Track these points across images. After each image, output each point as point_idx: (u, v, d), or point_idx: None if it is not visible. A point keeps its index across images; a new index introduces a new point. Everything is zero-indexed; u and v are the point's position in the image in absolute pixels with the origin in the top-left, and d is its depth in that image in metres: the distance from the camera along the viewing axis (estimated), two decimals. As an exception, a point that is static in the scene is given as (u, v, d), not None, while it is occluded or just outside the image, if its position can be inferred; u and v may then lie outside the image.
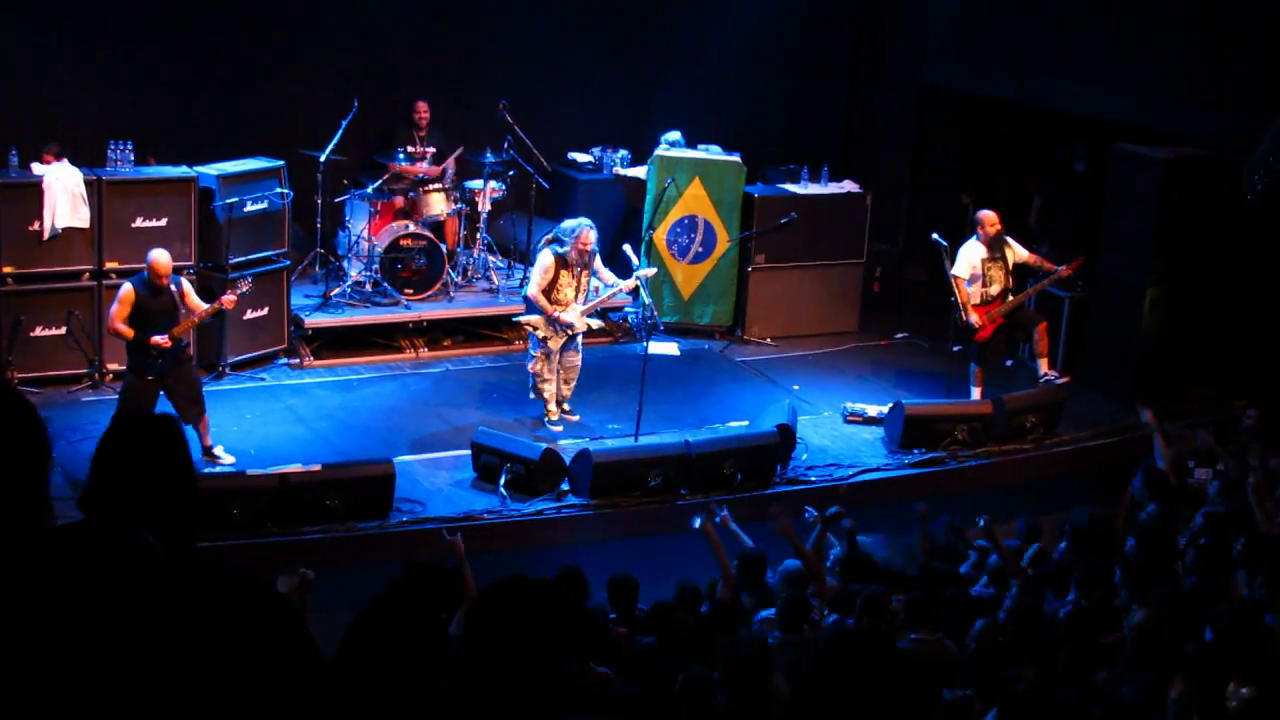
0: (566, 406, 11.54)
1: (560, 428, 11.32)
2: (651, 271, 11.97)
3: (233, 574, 3.24)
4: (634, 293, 11.78)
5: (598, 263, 11.29)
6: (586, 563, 7.77)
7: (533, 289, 11.18)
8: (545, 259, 11.14)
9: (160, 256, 9.92)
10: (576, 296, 11.18)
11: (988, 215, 11.96)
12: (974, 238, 12.06)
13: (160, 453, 3.30)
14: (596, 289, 11.39)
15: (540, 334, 11.19)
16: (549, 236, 11.29)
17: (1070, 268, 12.01)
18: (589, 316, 11.36)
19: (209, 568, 3.25)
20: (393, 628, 3.49)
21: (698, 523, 8.20)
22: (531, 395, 11.43)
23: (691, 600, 7.55)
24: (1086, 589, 7.36)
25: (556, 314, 11.07)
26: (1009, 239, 12.08)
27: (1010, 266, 12.05)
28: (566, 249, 11.05)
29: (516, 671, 3.18)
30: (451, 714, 3.24)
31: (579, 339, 11.40)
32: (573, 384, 11.53)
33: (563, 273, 11.11)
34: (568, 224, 11.19)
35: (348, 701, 3.33)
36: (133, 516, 3.19)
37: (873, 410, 11.95)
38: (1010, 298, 12.06)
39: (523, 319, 11.39)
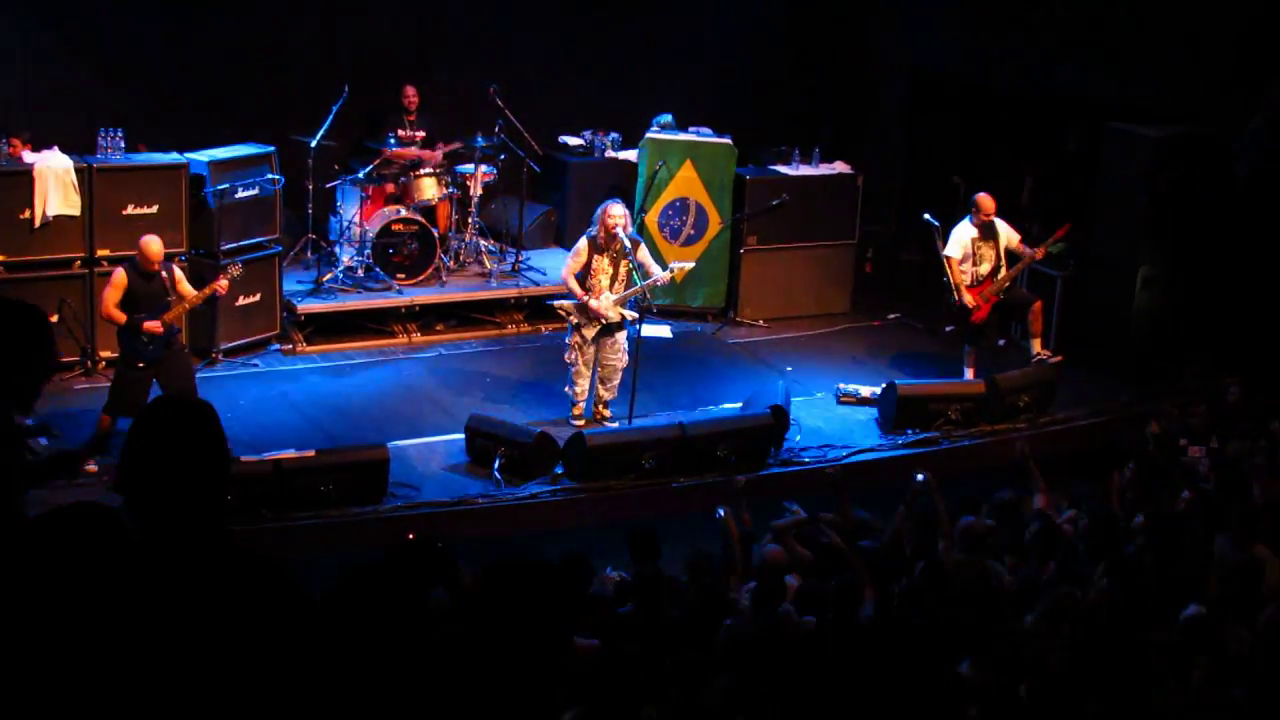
0: (608, 412, 11.17)
1: (583, 422, 11.02)
2: (689, 265, 11.77)
3: (251, 555, 3.28)
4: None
5: (644, 254, 10.87)
6: (581, 546, 7.82)
7: (563, 271, 10.93)
8: (579, 243, 10.85)
9: (151, 242, 9.92)
10: (612, 285, 10.83)
11: (985, 200, 11.96)
12: (967, 219, 12.07)
13: (195, 437, 3.34)
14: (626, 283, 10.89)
15: (574, 320, 10.92)
16: (589, 227, 10.95)
17: (1050, 242, 12.03)
18: (624, 306, 10.90)
19: (233, 548, 3.27)
20: (378, 600, 3.52)
21: (721, 513, 8.28)
22: (566, 390, 11.19)
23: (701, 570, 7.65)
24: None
25: (587, 300, 10.77)
26: (1003, 222, 12.08)
27: (1002, 248, 12.06)
28: (595, 230, 10.78)
29: (511, 645, 3.20)
30: (446, 685, 3.27)
31: (624, 335, 11.01)
32: (612, 384, 11.10)
33: (596, 257, 10.74)
34: (600, 206, 10.89)
35: (343, 673, 3.36)
36: (166, 498, 3.22)
37: (866, 391, 11.96)
38: (1001, 274, 12.07)
39: (558, 303, 11.10)
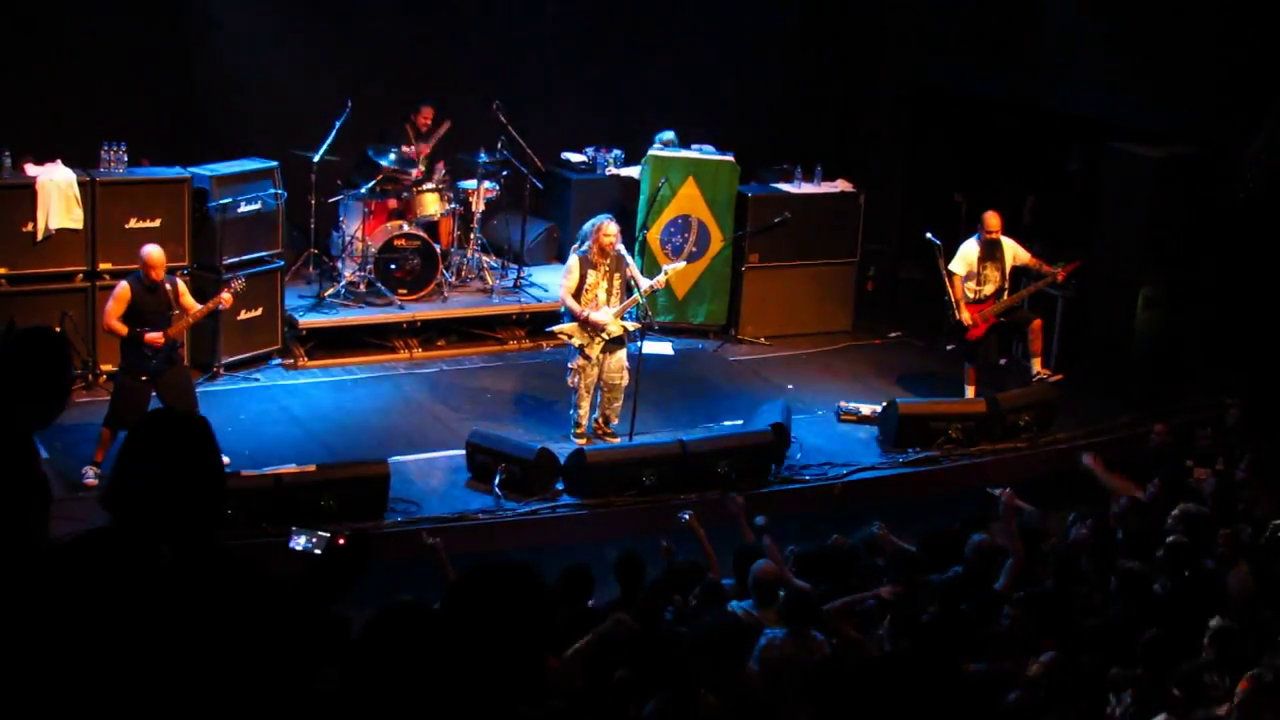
0: (609, 428, 11.14)
1: (584, 441, 10.98)
2: (681, 266, 11.88)
3: (242, 565, 3.27)
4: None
5: (632, 269, 10.92)
6: (581, 562, 7.83)
7: (560, 291, 10.91)
8: (570, 262, 10.84)
9: (153, 251, 9.92)
10: (609, 299, 10.81)
11: (989, 217, 11.97)
12: (975, 236, 12.08)
13: (189, 452, 3.33)
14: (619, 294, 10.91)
15: (576, 342, 10.85)
16: (576, 243, 10.98)
17: (1065, 271, 12.03)
18: (624, 318, 10.89)
19: (225, 561, 3.27)
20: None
21: (686, 516, 8.37)
22: (571, 413, 11.16)
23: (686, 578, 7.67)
24: None
25: (587, 314, 10.72)
26: (1011, 241, 12.08)
27: (1007, 268, 12.06)
28: (587, 246, 10.76)
29: (492, 654, 3.17)
30: (432, 697, 3.25)
31: (625, 353, 11.01)
32: (618, 405, 11.07)
33: (590, 273, 10.73)
34: (588, 223, 10.89)
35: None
36: (159, 513, 3.22)
37: (866, 409, 11.96)
38: (1005, 297, 12.09)
39: (556, 328, 11.06)
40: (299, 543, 3.25)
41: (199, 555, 3.25)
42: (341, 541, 3.50)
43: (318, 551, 3.37)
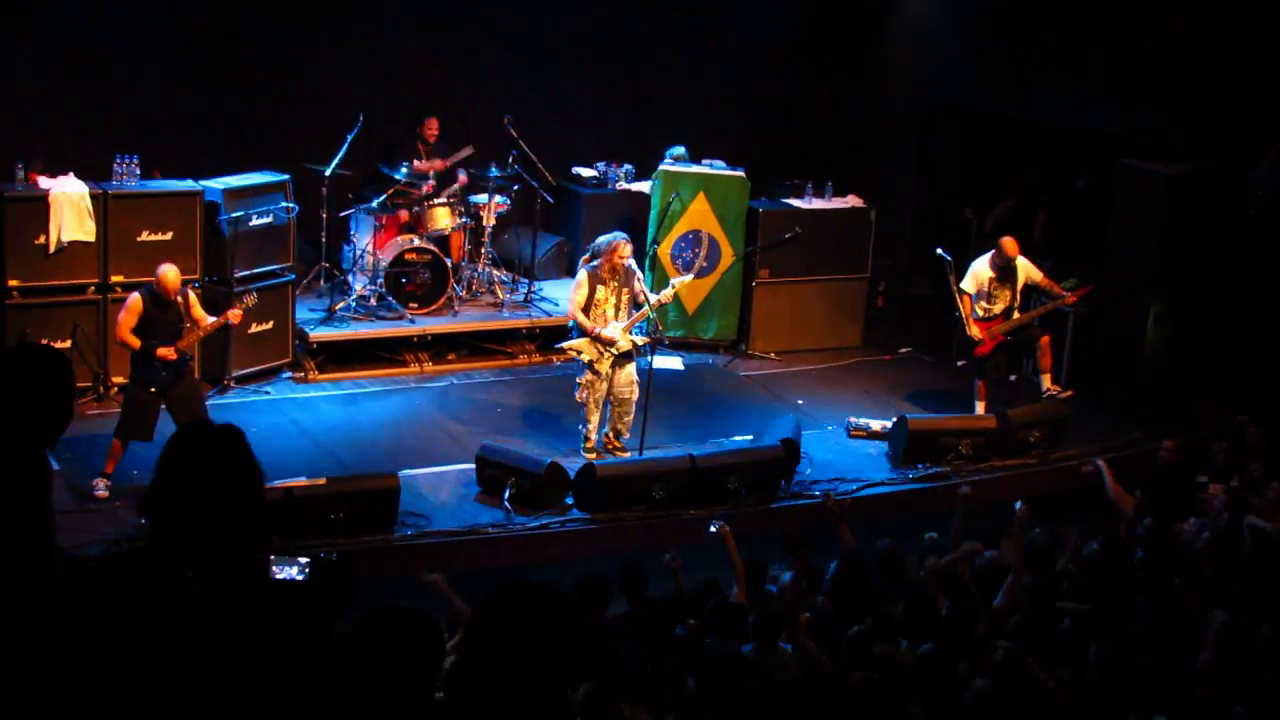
0: (619, 442, 11.14)
1: (594, 456, 10.96)
2: (688, 279, 11.92)
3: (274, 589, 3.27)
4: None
5: (640, 284, 10.93)
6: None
7: (569, 307, 10.93)
8: (579, 276, 10.88)
9: (169, 272, 9.94)
10: (617, 314, 10.86)
11: (1007, 243, 11.96)
12: (988, 255, 12.08)
13: (226, 464, 3.32)
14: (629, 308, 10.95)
15: (585, 357, 10.88)
16: (586, 255, 11.04)
17: (1076, 295, 12.03)
18: (632, 333, 10.92)
19: (256, 586, 3.27)
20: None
21: (714, 527, 8.31)
22: (581, 428, 11.16)
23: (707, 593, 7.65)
24: None
25: (597, 330, 10.75)
26: (1025, 260, 12.06)
27: (1019, 288, 12.05)
28: (598, 263, 10.80)
29: (518, 683, 3.14)
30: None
31: (634, 367, 11.02)
32: (628, 419, 11.07)
33: (600, 288, 10.78)
34: (601, 238, 10.93)
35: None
36: (195, 525, 3.22)
37: (876, 425, 11.94)
38: (1015, 316, 12.08)
39: (565, 344, 11.08)
40: (283, 572, 3.24)
41: (233, 579, 3.24)
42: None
43: (300, 578, 3.36)
